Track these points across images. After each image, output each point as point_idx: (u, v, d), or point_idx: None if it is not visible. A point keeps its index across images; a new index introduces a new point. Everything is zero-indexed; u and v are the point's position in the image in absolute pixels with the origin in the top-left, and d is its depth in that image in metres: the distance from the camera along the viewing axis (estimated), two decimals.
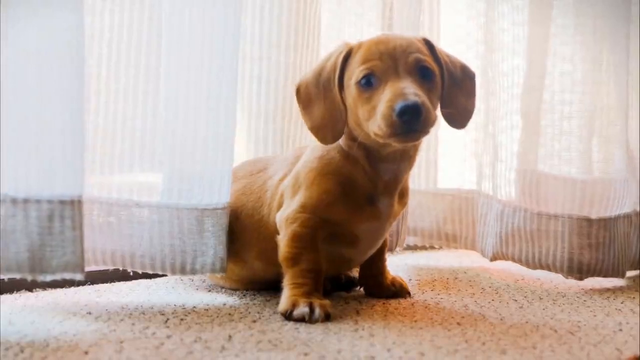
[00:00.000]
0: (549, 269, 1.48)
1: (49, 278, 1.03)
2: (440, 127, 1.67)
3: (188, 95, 1.19)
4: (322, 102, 1.15)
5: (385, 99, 1.06)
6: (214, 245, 1.20)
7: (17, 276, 1.03)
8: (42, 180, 1.03)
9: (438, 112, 1.14)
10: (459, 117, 1.18)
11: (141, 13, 1.21)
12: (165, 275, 1.35)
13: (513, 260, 1.51)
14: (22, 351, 0.91)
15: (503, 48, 1.53)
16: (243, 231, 1.23)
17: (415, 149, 1.18)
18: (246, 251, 1.24)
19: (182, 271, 1.21)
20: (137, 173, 1.23)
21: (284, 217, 1.17)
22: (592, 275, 1.46)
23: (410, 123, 1.04)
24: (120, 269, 1.22)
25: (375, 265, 1.30)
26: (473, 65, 1.61)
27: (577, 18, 1.50)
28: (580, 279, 1.46)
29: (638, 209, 1.56)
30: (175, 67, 1.19)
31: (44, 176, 1.03)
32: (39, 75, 1.02)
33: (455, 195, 1.66)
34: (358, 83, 1.10)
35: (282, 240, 1.16)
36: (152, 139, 1.22)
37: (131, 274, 1.27)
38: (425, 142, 1.64)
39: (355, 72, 1.11)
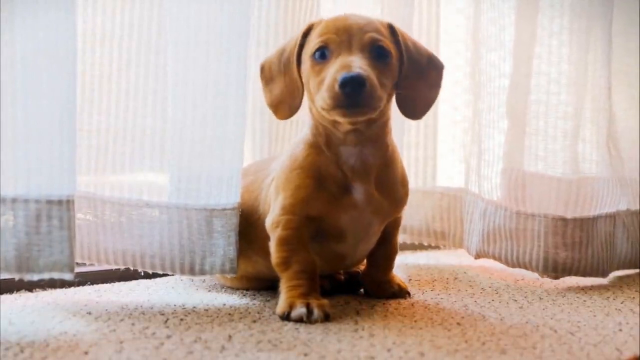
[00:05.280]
0: (526, 268, 1.48)
1: (36, 277, 1.03)
2: (439, 125, 1.69)
3: (195, 94, 1.19)
4: (282, 79, 1.17)
5: (332, 71, 1.07)
6: (223, 246, 1.21)
7: (4, 275, 1.04)
8: (30, 180, 1.03)
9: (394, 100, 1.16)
10: (414, 106, 1.19)
11: (150, 12, 1.22)
12: (167, 275, 1.35)
13: (494, 258, 1.52)
14: (22, 351, 0.91)
15: (491, 50, 1.53)
16: (246, 227, 1.24)
17: (378, 131, 1.16)
18: (249, 247, 1.24)
19: (192, 272, 1.21)
20: (147, 172, 1.24)
21: (269, 222, 1.17)
22: (569, 274, 1.46)
23: (352, 96, 1.04)
24: (122, 268, 1.23)
25: (381, 269, 1.29)
26: (470, 63, 1.63)
27: (563, 19, 1.50)
28: (556, 277, 1.47)
29: (633, 209, 1.57)
30: (182, 66, 1.19)
31: (32, 176, 1.03)
32: (27, 75, 1.02)
33: (444, 193, 1.66)
34: (312, 56, 1.12)
35: (272, 246, 1.16)
36: (162, 138, 1.22)
37: (138, 271, 1.27)
38: (423, 138, 1.66)
39: (311, 45, 1.13)
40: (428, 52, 1.21)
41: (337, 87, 1.05)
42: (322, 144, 1.16)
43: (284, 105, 1.18)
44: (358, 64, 1.07)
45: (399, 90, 1.16)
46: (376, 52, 1.11)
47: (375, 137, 1.17)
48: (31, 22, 1.02)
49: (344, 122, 1.12)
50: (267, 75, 1.20)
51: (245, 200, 1.25)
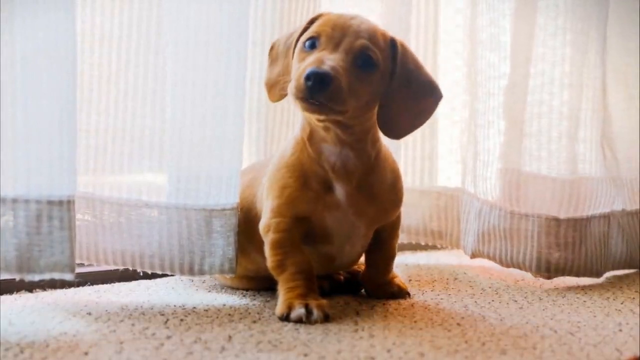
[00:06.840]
0: (520, 268, 1.49)
1: (37, 278, 1.03)
2: (439, 126, 1.69)
3: (194, 94, 1.19)
4: (282, 61, 1.18)
5: (307, 62, 1.07)
6: (222, 246, 1.21)
7: (5, 275, 1.04)
8: (30, 180, 1.03)
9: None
10: (396, 125, 1.17)
11: (149, 12, 1.22)
12: (167, 276, 1.35)
13: (489, 258, 1.52)
14: (22, 352, 0.91)
15: (489, 51, 1.53)
16: (246, 223, 1.24)
17: (357, 139, 1.15)
18: (249, 243, 1.24)
19: (191, 272, 1.21)
20: (146, 173, 1.24)
21: (262, 226, 1.17)
22: (562, 274, 1.47)
23: (314, 91, 1.04)
24: (121, 268, 1.23)
25: (380, 271, 1.29)
26: (467, 64, 1.63)
27: (557, 20, 1.50)
28: (549, 277, 1.48)
29: (629, 209, 1.57)
30: (181, 66, 1.19)
31: (32, 176, 1.03)
32: (27, 75, 1.02)
33: (442, 192, 1.66)
34: (303, 43, 1.12)
35: (266, 250, 1.17)
36: (161, 138, 1.22)
37: (138, 272, 1.27)
38: (419, 139, 1.66)
39: (307, 33, 1.13)
40: (430, 79, 1.19)
41: (302, 78, 1.05)
42: (307, 139, 1.16)
43: (277, 87, 1.18)
44: (332, 62, 1.06)
45: (382, 105, 1.14)
46: (361, 60, 1.10)
47: (353, 143, 1.15)
48: (31, 22, 1.01)
49: (305, 114, 1.12)
50: (273, 55, 1.21)
51: (246, 197, 1.25)
